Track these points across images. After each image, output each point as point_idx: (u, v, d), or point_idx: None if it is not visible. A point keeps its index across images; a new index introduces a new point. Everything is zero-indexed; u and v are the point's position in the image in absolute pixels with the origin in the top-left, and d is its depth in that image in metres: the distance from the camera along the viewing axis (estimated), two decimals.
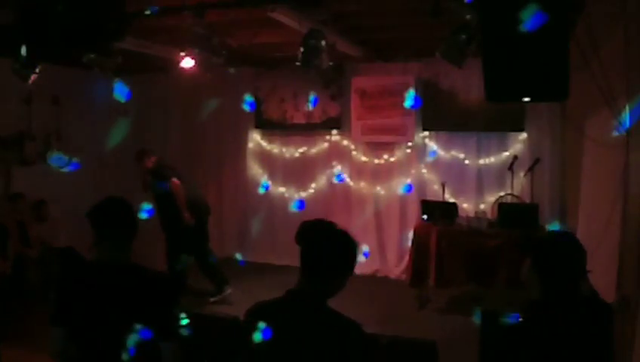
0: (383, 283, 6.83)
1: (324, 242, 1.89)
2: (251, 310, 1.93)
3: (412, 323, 5.24)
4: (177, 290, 2.24)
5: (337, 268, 1.88)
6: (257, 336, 1.84)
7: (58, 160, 5.79)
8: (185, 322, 2.19)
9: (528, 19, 2.46)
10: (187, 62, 5.05)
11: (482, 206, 6.46)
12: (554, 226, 5.91)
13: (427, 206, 6.04)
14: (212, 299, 5.91)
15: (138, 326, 2.07)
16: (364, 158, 7.26)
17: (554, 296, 1.96)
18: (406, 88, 6.82)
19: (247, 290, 6.27)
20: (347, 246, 1.90)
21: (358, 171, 7.32)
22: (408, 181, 7.02)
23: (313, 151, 7.49)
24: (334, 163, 7.40)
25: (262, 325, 1.84)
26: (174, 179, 5.76)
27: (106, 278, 2.15)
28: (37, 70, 4.75)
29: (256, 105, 7.64)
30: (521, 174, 6.25)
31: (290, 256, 7.43)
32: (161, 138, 7.85)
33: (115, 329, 2.08)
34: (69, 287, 2.22)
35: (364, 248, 6.80)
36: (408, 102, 6.38)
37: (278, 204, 7.64)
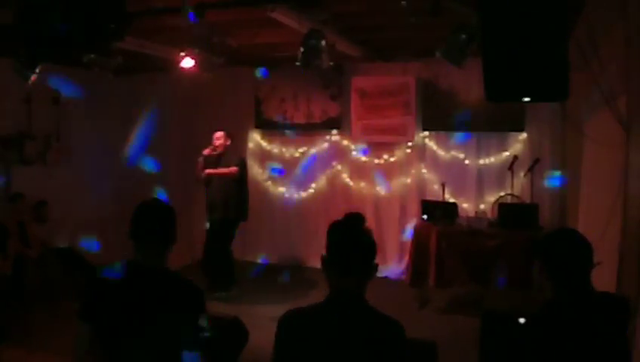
0: (383, 283, 6.83)
1: (358, 242, 1.91)
2: (288, 317, 1.89)
3: (412, 323, 5.23)
4: (204, 299, 2.22)
5: (370, 266, 1.91)
6: (299, 344, 1.82)
7: None
8: (208, 331, 2.16)
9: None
10: (187, 62, 5.05)
11: (482, 206, 6.46)
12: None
13: (427, 206, 6.04)
14: (217, 294, 5.96)
15: (162, 334, 2.07)
16: (364, 158, 7.26)
17: (567, 295, 1.96)
18: (406, 88, 6.83)
19: (247, 290, 6.28)
20: (373, 244, 1.93)
21: (358, 171, 7.32)
22: (408, 181, 7.04)
23: (313, 151, 7.49)
24: (334, 163, 7.40)
25: (302, 331, 1.83)
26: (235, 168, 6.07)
27: (134, 279, 2.14)
28: (37, 70, 4.75)
29: (256, 104, 7.66)
30: (521, 174, 6.25)
31: (290, 256, 7.50)
32: (161, 138, 7.84)
33: (138, 332, 2.07)
34: (98, 284, 2.20)
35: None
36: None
37: (277, 204, 7.64)
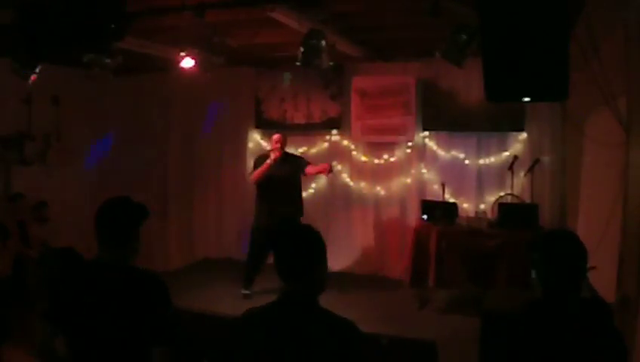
0: (383, 283, 6.83)
1: (291, 245, 1.91)
2: (244, 316, 1.91)
3: (412, 323, 5.24)
4: (167, 293, 2.23)
5: (310, 266, 1.88)
6: (251, 342, 1.83)
7: None
8: (175, 325, 2.18)
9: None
10: (187, 62, 5.06)
11: (482, 206, 6.46)
12: None
13: (427, 206, 6.04)
14: None
15: (129, 330, 2.08)
16: (364, 158, 7.26)
17: (554, 296, 1.95)
18: (406, 88, 6.83)
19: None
20: (312, 242, 1.91)
21: (358, 171, 7.32)
22: (408, 181, 7.04)
23: (313, 151, 7.48)
24: (334, 163, 7.39)
25: (255, 330, 1.84)
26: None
27: (97, 278, 2.16)
28: (37, 70, 4.75)
29: (256, 104, 7.66)
30: (521, 174, 6.25)
31: None
32: (162, 138, 7.85)
33: (104, 330, 2.09)
34: (63, 284, 2.24)
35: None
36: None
37: None
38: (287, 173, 6.00)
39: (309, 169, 6.12)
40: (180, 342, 2.18)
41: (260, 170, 5.94)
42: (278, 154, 5.91)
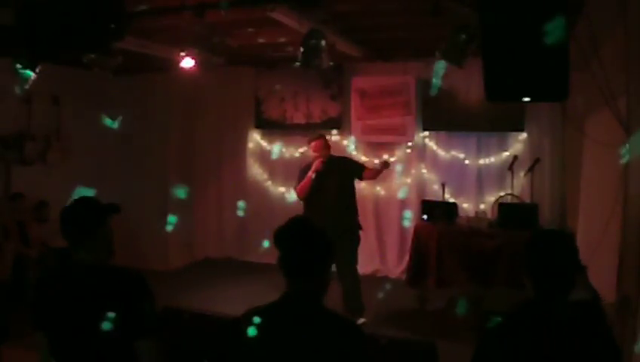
0: (383, 283, 6.82)
1: (302, 244, 1.92)
2: (246, 315, 1.90)
3: (412, 323, 5.24)
4: (146, 286, 2.23)
5: (319, 266, 1.90)
6: (253, 341, 1.83)
7: None
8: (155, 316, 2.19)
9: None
10: (187, 62, 5.06)
11: (482, 206, 6.46)
12: None
13: (427, 206, 6.04)
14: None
15: (109, 326, 2.07)
16: (364, 158, 7.26)
17: (543, 297, 1.94)
18: (406, 88, 6.83)
19: (247, 290, 6.28)
20: (323, 242, 1.92)
21: None
22: (408, 181, 7.03)
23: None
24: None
25: (257, 329, 1.83)
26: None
27: (74, 281, 2.17)
28: (37, 70, 4.75)
29: (256, 104, 7.66)
30: (521, 174, 6.25)
31: None
32: (162, 138, 7.85)
33: (83, 330, 2.09)
34: (42, 291, 2.24)
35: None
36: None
37: (277, 203, 7.63)
38: (336, 181, 5.26)
39: (367, 173, 5.46)
40: (165, 334, 2.18)
41: (302, 185, 5.27)
42: (319, 163, 5.22)
